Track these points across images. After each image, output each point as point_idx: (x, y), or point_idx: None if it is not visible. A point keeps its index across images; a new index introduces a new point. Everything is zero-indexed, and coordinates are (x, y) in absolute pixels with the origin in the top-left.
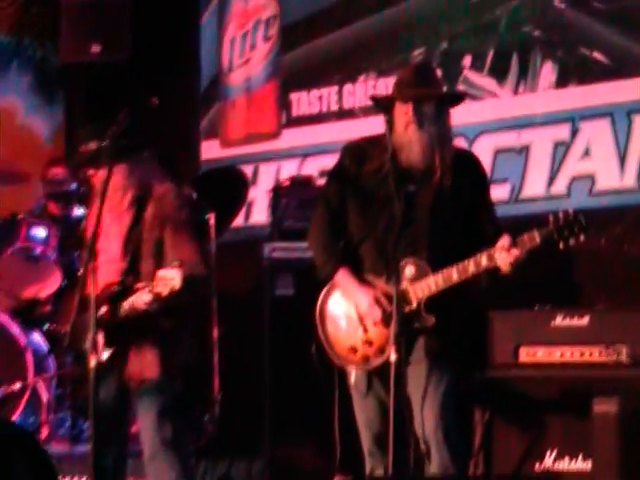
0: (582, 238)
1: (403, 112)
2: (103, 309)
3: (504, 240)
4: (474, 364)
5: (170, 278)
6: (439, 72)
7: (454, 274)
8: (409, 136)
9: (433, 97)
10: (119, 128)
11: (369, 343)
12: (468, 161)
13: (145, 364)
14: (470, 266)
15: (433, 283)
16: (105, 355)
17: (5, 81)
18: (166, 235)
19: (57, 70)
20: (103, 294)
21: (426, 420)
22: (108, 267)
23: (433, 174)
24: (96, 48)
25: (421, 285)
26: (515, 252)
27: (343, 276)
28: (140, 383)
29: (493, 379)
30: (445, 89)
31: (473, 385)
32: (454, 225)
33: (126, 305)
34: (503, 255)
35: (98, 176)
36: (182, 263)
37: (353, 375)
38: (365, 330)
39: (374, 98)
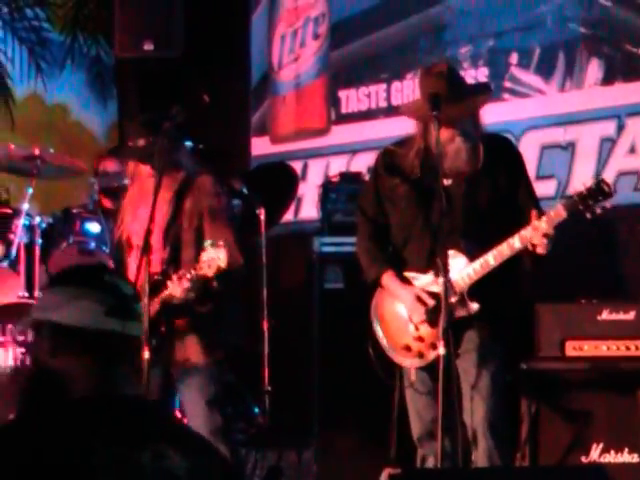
0: (608, 205)
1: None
2: (145, 300)
3: (533, 219)
4: (520, 355)
5: (215, 258)
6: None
7: (491, 259)
8: (456, 147)
9: (474, 112)
10: (172, 124)
11: (420, 340)
12: (500, 143)
13: (189, 350)
14: (505, 249)
15: (472, 271)
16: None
17: (59, 78)
18: (205, 223)
19: (111, 66)
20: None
21: (474, 409)
22: (149, 257)
23: (471, 169)
24: (149, 45)
25: (461, 275)
26: (543, 229)
27: (388, 279)
28: (185, 369)
29: (539, 371)
30: (472, 84)
31: (519, 376)
32: (491, 211)
33: (164, 295)
34: (533, 234)
35: (141, 170)
36: (227, 243)
37: (410, 372)
38: (416, 328)
39: (409, 114)
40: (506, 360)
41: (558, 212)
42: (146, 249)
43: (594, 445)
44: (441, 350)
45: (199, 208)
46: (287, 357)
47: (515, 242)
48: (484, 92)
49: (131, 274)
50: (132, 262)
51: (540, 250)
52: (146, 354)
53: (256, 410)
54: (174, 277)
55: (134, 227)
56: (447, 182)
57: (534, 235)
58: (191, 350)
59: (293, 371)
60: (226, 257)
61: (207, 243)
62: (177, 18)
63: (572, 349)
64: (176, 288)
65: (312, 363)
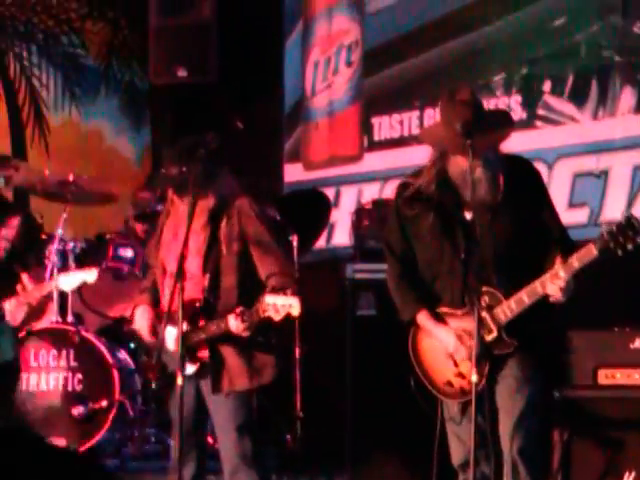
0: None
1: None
2: (186, 326)
3: (556, 265)
4: (553, 383)
5: (286, 305)
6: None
7: (525, 297)
8: (477, 177)
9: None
10: (206, 151)
11: (462, 376)
12: (519, 167)
13: (234, 375)
14: (538, 288)
15: (508, 309)
16: (190, 371)
17: (94, 104)
18: (251, 249)
19: (145, 92)
20: (186, 311)
21: (510, 437)
22: (187, 284)
23: (492, 199)
24: (183, 71)
25: (497, 312)
26: (560, 282)
27: (423, 318)
28: (228, 395)
29: (572, 399)
30: (494, 112)
31: (552, 404)
32: (517, 241)
33: (217, 329)
34: (550, 286)
35: (176, 197)
36: (293, 290)
37: (451, 407)
38: (455, 364)
39: (432, 142)
40: (542, 389)
41: (589, 251)
42: (180, 275)
43: (626, 473)
44: (474, 378)
45: (238, 232)
46: (319, 383)
47: (547, 282)
48: (509, 124)
49: (165, 300)
50: (166, 288)
51: (557, 298)
52: (179, 380)
53: (288, 436)
54: (235, 313)
55: (168, 253)
56: (470, 214)
57: (551, 286)
58: (236, 375)
59: (325, 397)
60: (299, 305)
61: (271, 287)
62: (211, 45)
63: (604, 377)
64: (234, 323)
65: (344, 389)
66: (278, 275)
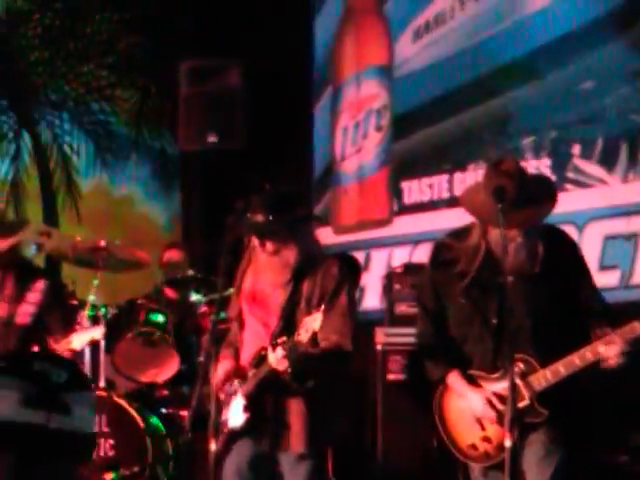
0: None
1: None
2: (262, 374)
3: (606, 334)
4: (586, 448)
5: (311, 320)
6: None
7: (562, 369)
8: (516, 246)
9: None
10: (294, 203)
11: (487, 440)
12: (558, 238)
13: (292, 434)
14: (576, 361)
15: (543, 378)
16: (240, 421)
17: (125, 170)
18: (324, 304)
19: (175, 159)
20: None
21: None
22: (264, 339)
23: (530, 269)
24: (212, 137)
25: (531, 380)
26: (617, 347)
27: (453, 379)
28: (290, 458)
29: (605, 465)
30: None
31: (586, 469)
32: (555, 311)
33: (263, 369)
34: (607, 349)
35: (262, 248)
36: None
37: (475, 469)
38: (482, 428)
39: (471, 210)
40: (572, 452)
41: (633, 328)
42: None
43: None
44: (507, 443)
45: (321, 291)
46: (349, 447)
47: (588, 355)
48: (551, 200)
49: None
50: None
51: (611, 364)
52: (212, 446)
53: None
54: (277, 342)
55: (247, 306)
56: (506, 280)
57: (609, 349)
58: (294, 434)
59: (355, 461)
60: (320, 319)
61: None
62: (239, 111)
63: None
64: (271, 356)
65: (374, 454)
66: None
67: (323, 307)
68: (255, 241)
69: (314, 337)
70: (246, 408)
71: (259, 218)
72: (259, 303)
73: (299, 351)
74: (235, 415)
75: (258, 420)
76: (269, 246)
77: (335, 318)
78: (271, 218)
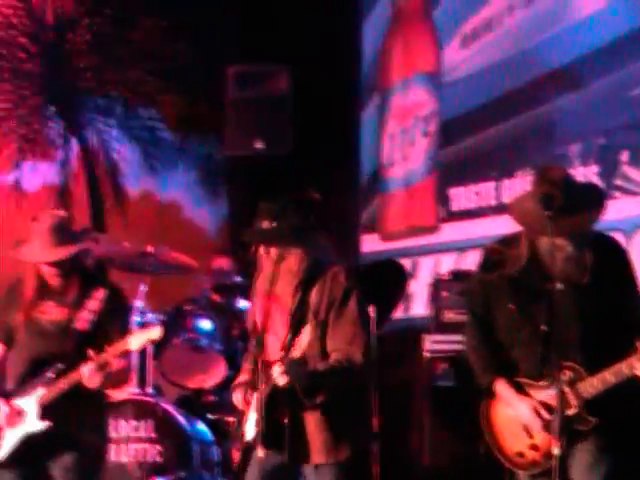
0: None
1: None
2: (269, 389)
3: None
4: (634, 456)
5: (303, 336)
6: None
7: (610, 377)
8: (565, 254)
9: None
10: (298, 207)
11: (535, 448)
12: (607, 246)
13: (311, 445)
14: (624, 369)
15: (591, 386)
16: (253, 433)
17: (172, 176)
18: (330, 314)
19: (221, 164)
20: (267, 374)
21: None
22: (271, 343)
23: (580, 277)
24: (259, 142)
25: (579, 389)
26: None
27: (501, 386)
28: (312, 469)
29: None
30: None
31: (634, 478)
32: (604, 318)
33: (270, 381)
34: None
35: (267, 256)
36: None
37: (522, 478)
38: (530, 436)
39: (519, 218)
40: (622, 463)
41: None
42: (260, 345)
43: None
44: (555, 451)
45: (328, 301)
46: (398, 455)
47: (636, 363)
48: (599, 207)
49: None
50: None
51: None
52: (260, 453)
53: None
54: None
55: (259, 315)
56: (556, 287)
57: None
58: (316, 449)
59: (403, 469)
60: (309, 336)
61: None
62: (286, 115)
63: None
64: (274, 371)
65: (421, 460)
66: (343, 349)
67: (331, 316)
68: (261, 248)
69: (323, 348)
70: (258, 422)
71: (264, 225)
72: (269, 313)
73: (303, 368)
74: (250, 427)
75: (276, 432)
76: (273, 252)
77: (345, 327)
78: (274, 224)
